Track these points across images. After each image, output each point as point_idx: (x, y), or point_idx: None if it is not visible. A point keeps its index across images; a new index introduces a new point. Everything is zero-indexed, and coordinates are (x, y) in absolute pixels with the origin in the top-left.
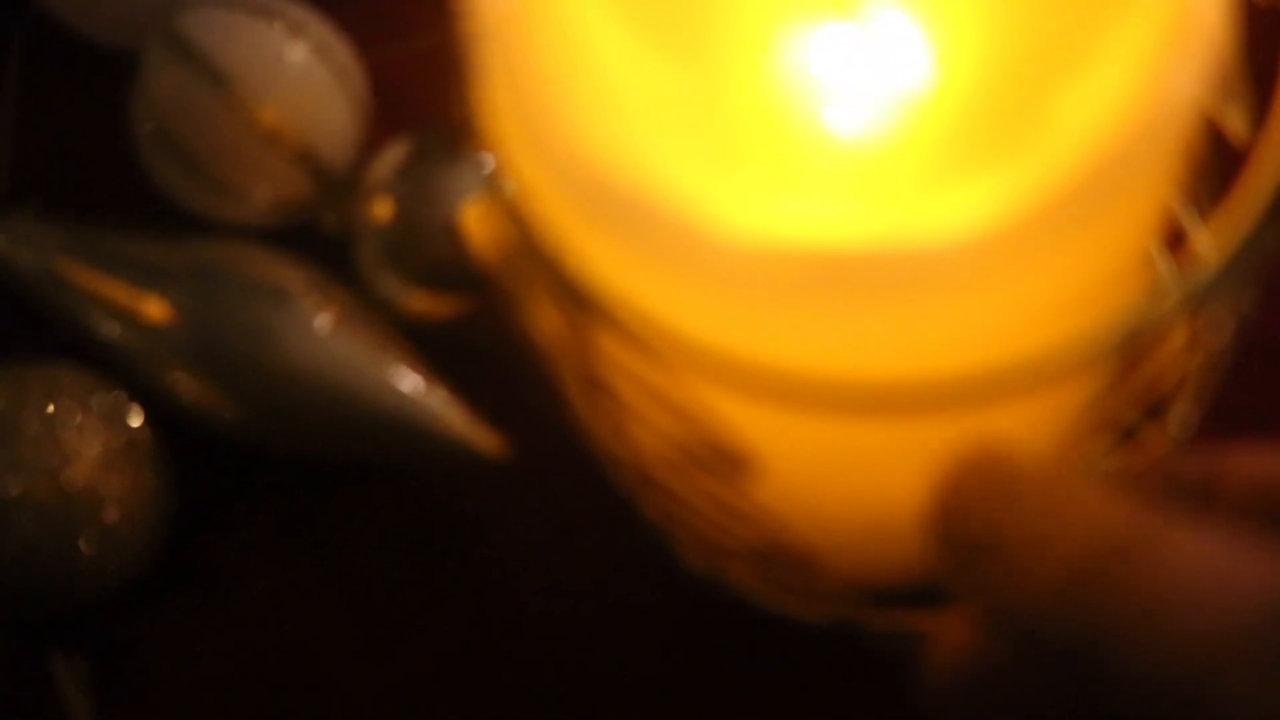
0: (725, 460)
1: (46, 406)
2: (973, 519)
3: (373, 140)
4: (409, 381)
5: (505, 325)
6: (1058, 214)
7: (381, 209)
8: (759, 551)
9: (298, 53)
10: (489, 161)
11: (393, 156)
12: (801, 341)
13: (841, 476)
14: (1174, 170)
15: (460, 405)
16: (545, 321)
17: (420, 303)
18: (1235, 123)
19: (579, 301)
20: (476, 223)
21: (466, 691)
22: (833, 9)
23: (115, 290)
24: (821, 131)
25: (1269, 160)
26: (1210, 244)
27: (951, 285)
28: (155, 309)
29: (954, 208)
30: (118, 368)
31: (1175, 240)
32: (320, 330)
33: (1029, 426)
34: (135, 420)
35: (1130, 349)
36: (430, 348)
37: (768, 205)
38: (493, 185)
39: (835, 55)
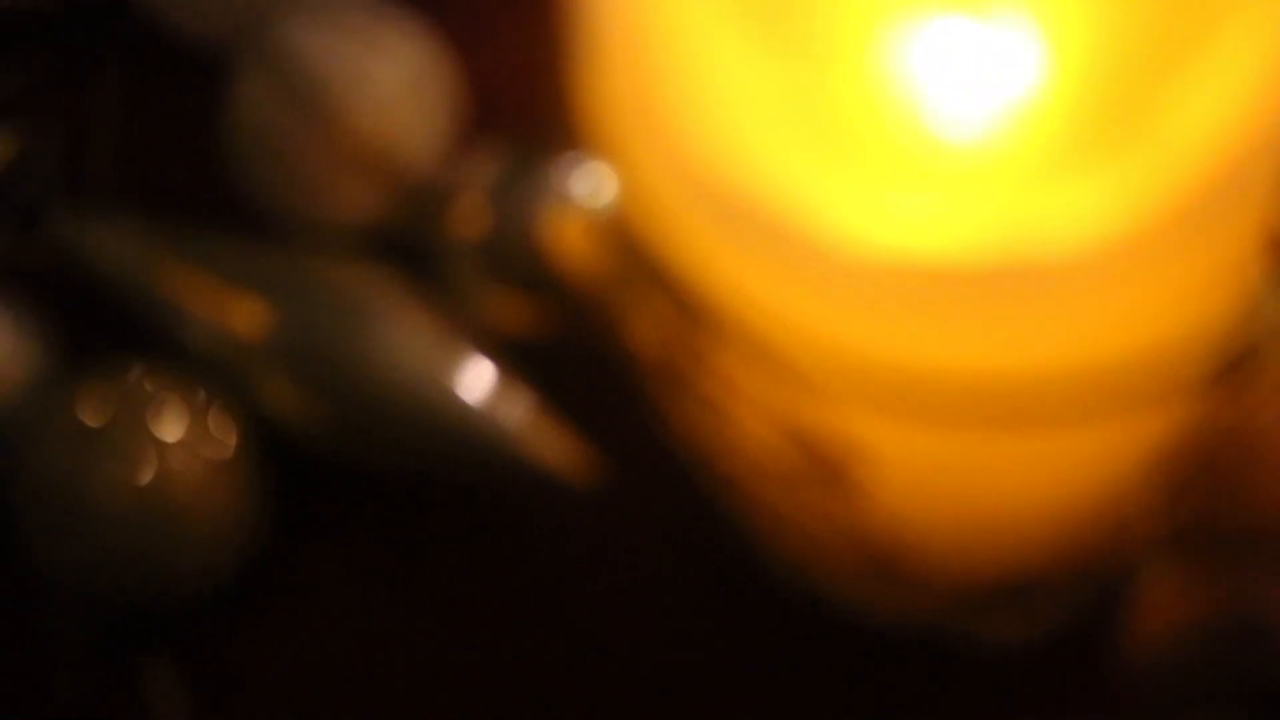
0: (836, 472)
1: (144, 418)
2: None
3: (467, 146)
4: (503, 405)
5: (599, 338)
6: (1175, 221)
7: (473, 219)
8: (863, 561)
9: (390, 69)
10: (598, 168)
11: (485, 166)
12: (921, 352)
13: (962, 482)
14: None
15: (555, 432)
16: (649, 335)
17: (512, 315)
18: None
19: (695, 317)
20: (573, 233)
21: (542, 706)
22: (947, 4)
23: (210, 299)
24: (933, 132)
25: None
26: None
27: (1071, 296)
28: (249, 319)
29: (1067, 215)
30: (212, 377)
31: None
32: (413, 346)
33: (1144, 433)
34: (231, 432)
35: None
36: (520, 360)
37: (882, 209)
38: (601, 193)
39: (947, 54)
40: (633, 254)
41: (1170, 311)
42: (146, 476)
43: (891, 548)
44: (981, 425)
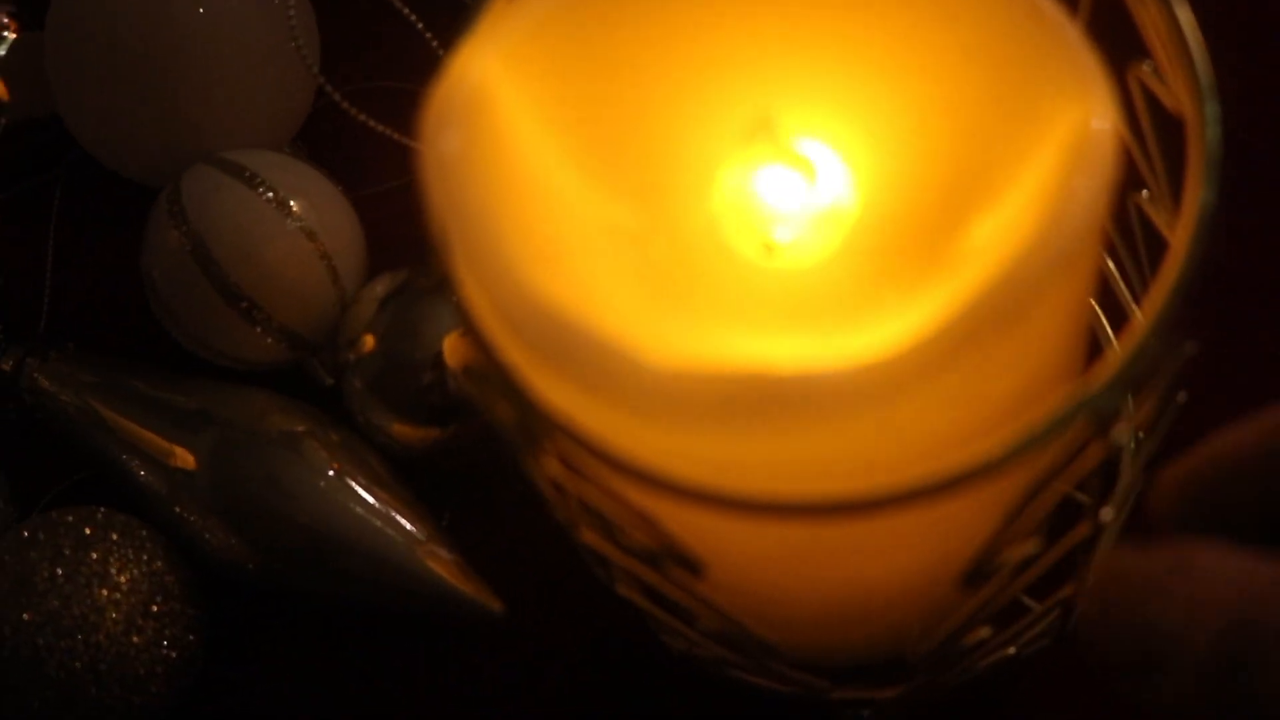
0: (676, 550)
1: (77, 556)
2: (1120, 634)
3: (362, 283)
4: (410, 534)
5: (487, 447)
6: (974, 331)
7: (366, 346)
8: (722, 637)
9: (285, 226)
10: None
11: (376, 293)
12: (730, 453)
13: (782, 573)
14: (1089, 276)
15: (459, 562)
16: (513, 438)
17: (405, 432)
18: (1163, 220)
19: (532, 424)
20: (452, 352)
21: None
22: (764, 152)
23: (144, 435)
24: (753, 260)
25: (1165, 276)
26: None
27: (869, 401)
28: (181, 456)
29: (876, 330)
30: (148, 510)
31: None
32: (329, 480)
33: (961, 515)
34: (165, 564)
35: (1044, 450)
36: (419, 472)
37: (706, 330)
38: (458, 316)
39: (768, 189)
40: (485, 372)
41: (983, 408)
42: (82, 612)
43: (738, 618)
44: (794, 521)
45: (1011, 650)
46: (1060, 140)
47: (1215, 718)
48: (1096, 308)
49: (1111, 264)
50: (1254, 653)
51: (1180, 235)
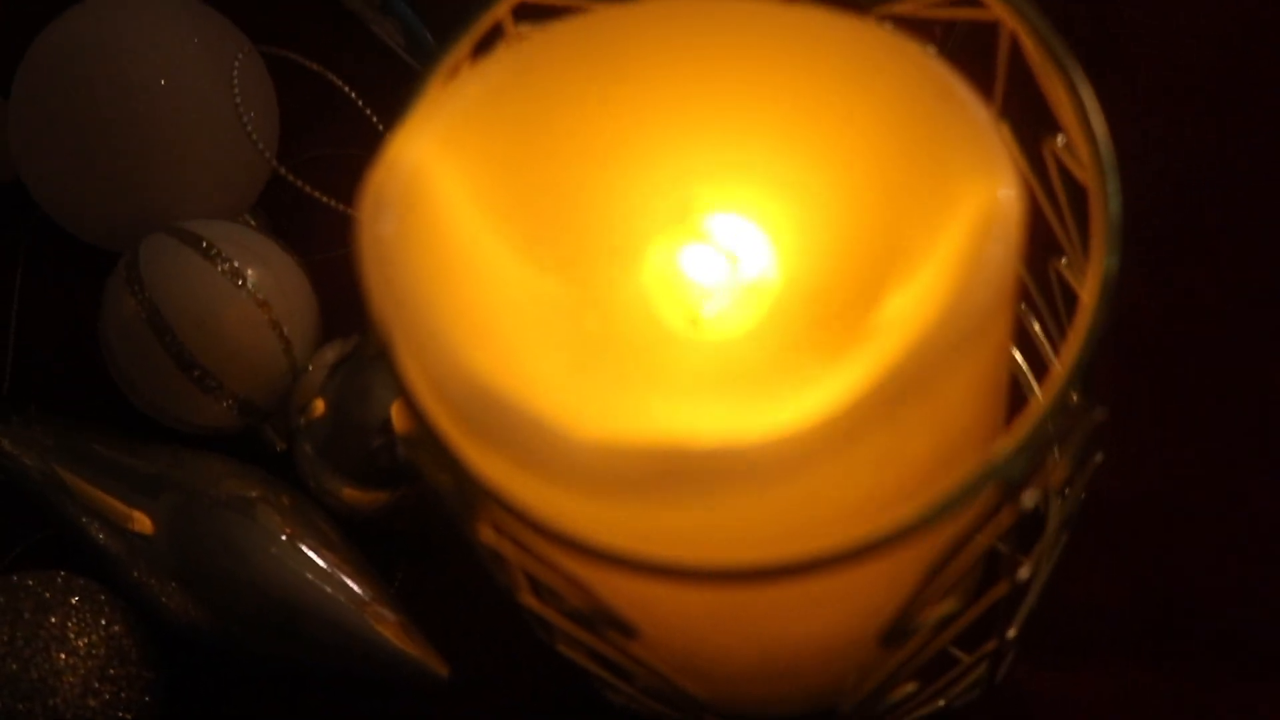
0: (608, 614)
1: (36, 620)
2: None
3: (314, 348)
4: (358, 597)
5: (436, 509)
6: (890, 400)
7: (316, 410)
8: (658, 693)
9: (239, 296)
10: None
11: (327, 359)
12: (655, 522)
13: (711, 634)
14: (1003, 340)
15: (405, 624)
16: (452, 504)
17: (356, 495)
18: (1079, 283)
19: (467, 493)
20: (399, 418)
21: None
22: (688, 231)
23: (104, 499)
24: (681, 332)
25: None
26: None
27: (787, 471)
28: (139, 520)
29: (797, 399)
30: (107, 572)
31: None
32: (280, 545)
33: (880, 576)
34: (124, 628)
35: (949, 520)
36: (369, 534)
37: (634, 400)
38: (396, 384)
39: (694, 265)
40: (420, 439)
41: (900, 475)
42: (39, 676)
43: (671, 675)
44: (716, 585)
45: (941, 702)
46: (970, 213)
47: None
48: (1025, 368)
49: (1038, 326)
50: None
51: (1086, 303)
